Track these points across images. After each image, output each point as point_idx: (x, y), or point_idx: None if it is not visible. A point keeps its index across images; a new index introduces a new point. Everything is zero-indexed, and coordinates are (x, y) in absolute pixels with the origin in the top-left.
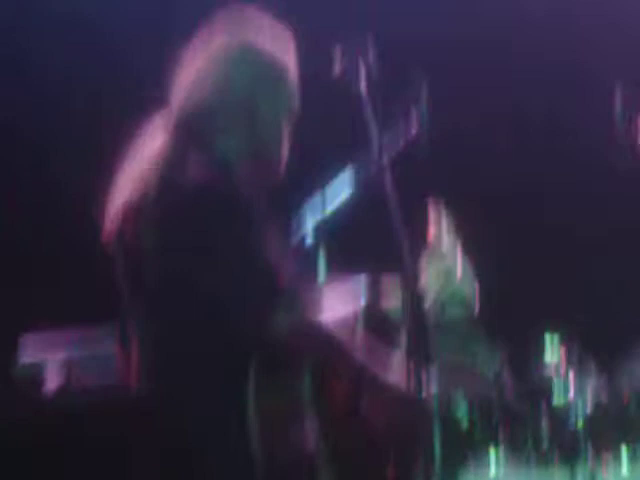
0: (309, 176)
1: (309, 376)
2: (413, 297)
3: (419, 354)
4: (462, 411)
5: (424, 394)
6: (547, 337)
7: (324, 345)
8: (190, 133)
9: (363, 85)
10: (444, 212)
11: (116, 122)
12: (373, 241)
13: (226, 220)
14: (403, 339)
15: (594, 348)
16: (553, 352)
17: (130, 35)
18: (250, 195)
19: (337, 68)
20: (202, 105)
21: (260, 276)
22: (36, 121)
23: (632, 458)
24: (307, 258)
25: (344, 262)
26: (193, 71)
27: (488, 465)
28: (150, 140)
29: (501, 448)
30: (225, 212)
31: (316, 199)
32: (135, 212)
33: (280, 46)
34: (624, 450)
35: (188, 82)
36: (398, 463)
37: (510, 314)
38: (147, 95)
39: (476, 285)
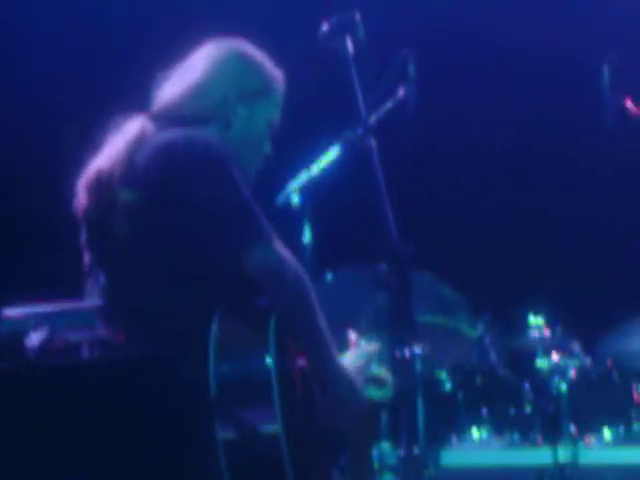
0: (297, 136)
1: (273, 325)
2: (396, 258)
3: (402, 317)
4: (445, 373)
5: (407, 356)
6: (531, 301)
7: (294, 300)
8: (170, 119)
9: (351, 49)
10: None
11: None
12: (358, 200)
13: (220, 160)
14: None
15: (577, 313)
16: (537, 316)
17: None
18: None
19: (327, 34)
20: (185, 92)
21: (244, 211)
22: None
23: (613, 422)
24: (293, 216)
25: (329, 221)
26: (182, 66)
27: (470, 427)
28: (127, 126)
29: (483, 411)
30: (217, 155)
31: (303, 159)
32: (122, 172)
33: (268, 60)
34: (606, 415)
35: (175, 74)
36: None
37: (495, 278)
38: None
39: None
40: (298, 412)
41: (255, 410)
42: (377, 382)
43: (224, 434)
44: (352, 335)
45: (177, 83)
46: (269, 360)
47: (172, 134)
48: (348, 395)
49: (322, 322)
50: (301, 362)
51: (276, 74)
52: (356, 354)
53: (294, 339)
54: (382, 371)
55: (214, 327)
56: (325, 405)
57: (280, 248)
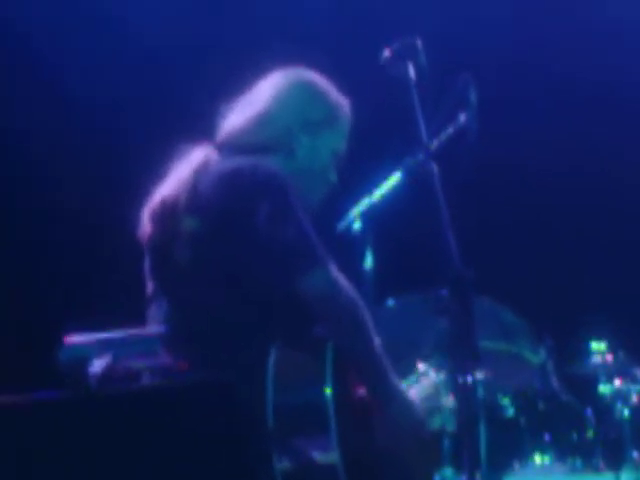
0: (360, 162)
1: (330, 354)
2: (458, 284)
3: (464, 342)
4: (507, 399)
5: (469, 382)
6: (593, 327)
7: (349, 325)
8: (234, 148)
9: (413, 75)
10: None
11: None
12: (419, 226)
13: (280, 189)
14: (449, 328)
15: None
16: (599, 342)
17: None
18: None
19: (389, 60)
20: (249, 121)
21: (302, 239)
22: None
23: None
24: (354, 242)
25: (391, 247)
26: (247, 95)
27: (533, 453)
28: (192, 155)
29: (546, 437)
30: (277, 184)
31: (365, 185)
32: (184, 200)
33: (334, 90)
34: None
35: (240, 103)
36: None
37: (558, 304)
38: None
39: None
40: (357, 441)
41: (313, 440)
42: (443, 412)
43: (282, 464)
44: (421, 365)
45: (242, 112)
46: (326, 390)
47: (235, 162)
48: (407, 420)
49: (378, 347)
50: (360, 390)
51: (342, 103)
52: (425, 384)
53: (351, 365)
54: (449, 400)
55: (271, 356)
56: (384, 431)
57: (336, 274)
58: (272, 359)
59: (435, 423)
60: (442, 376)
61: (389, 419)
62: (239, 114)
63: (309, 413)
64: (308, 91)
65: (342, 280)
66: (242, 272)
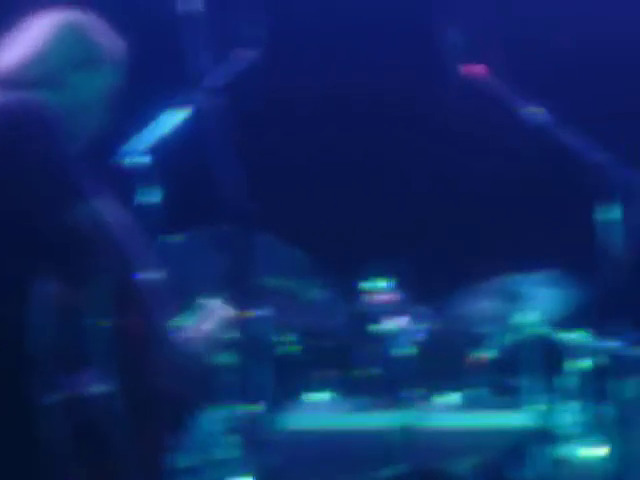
0: (141, 97)
1: (103, 288)
2: (239, 219)
3: (245, 279)
4: (289, 336)
5: (251, 317)
6: (377, 264)
7: (116, 260)
8: (4, 84)
9: (200, 7)
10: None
11: None
12: (205, 160)
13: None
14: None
15: (426, 276)
16: (383, 279)
17: None
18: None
19: None
20: (20, 59)
21: (64, 173)
22: None
23: (454, 387)
24: (141, 180)
25: (177, 181)
26: (18, 33)
27: (315, 390)
28: None
29: (328, 374)
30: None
31: (148, 119)
32: None
33: (108, 26)
34: (447, 380)
35: (10, 42)
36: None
37: (341, 240)
38: None
39: None
40: (130, 373)
41: (83, 371)
42: (226, 347)
43: (54, 396)
44: (205, 300)
45: (12, 50)
46: (100, 322)
47: (2, 98)
48: (179, 357)
49: (149, 281)
50: (132, 322)
51: (114, 42)
52: (207, 318)
53: (124, 298)
54: (233, 336)
55: (43, 289)
56: (155, 368)
57: (100, 208)
58: (44, 291)
59: (217, 359)
60: (226, 311)
61: (158, 353)
62: (10, 52)
63: (77, 342)
64: (79, 30)
65: (107, 214)
66: (8, 208)
